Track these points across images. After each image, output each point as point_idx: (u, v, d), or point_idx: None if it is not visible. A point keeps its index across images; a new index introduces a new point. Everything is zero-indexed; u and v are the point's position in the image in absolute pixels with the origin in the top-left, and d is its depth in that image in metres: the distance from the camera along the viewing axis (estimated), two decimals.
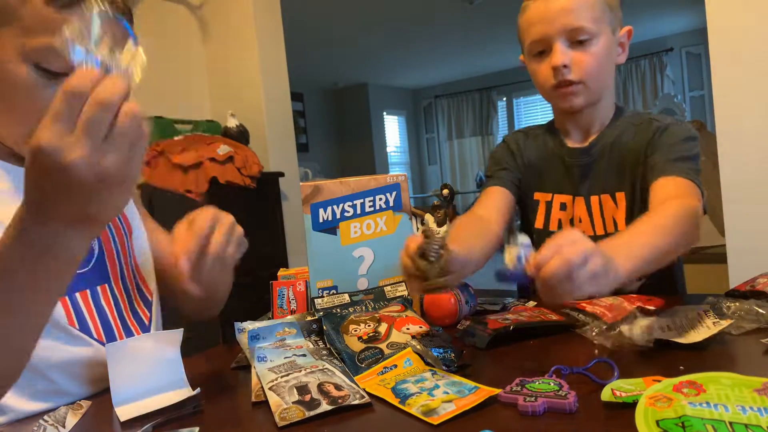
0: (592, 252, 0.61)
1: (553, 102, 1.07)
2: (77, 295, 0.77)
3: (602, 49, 1.00)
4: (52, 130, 0.44)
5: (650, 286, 1.04)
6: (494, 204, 1.10)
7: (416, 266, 0.69)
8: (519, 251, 0.64)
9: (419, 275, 0.70)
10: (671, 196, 0.90)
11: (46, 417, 0.64)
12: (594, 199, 1.06)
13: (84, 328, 0.77)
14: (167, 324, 0.91)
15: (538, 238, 1.06)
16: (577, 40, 0.99)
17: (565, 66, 0.99)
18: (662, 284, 1.07)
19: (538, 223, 1.12)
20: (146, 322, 0.87)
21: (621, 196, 1.04)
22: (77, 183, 0.45)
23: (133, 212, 0.93)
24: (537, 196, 1.12)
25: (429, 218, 1.28)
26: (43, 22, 0.66)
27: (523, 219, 1.18)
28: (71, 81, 0.44)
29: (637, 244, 0.74)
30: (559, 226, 1.09)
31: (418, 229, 1.22)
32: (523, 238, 0.66)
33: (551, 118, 1.17)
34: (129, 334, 0.82)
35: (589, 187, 1.07)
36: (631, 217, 1.02)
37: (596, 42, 0.99)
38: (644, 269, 0.74)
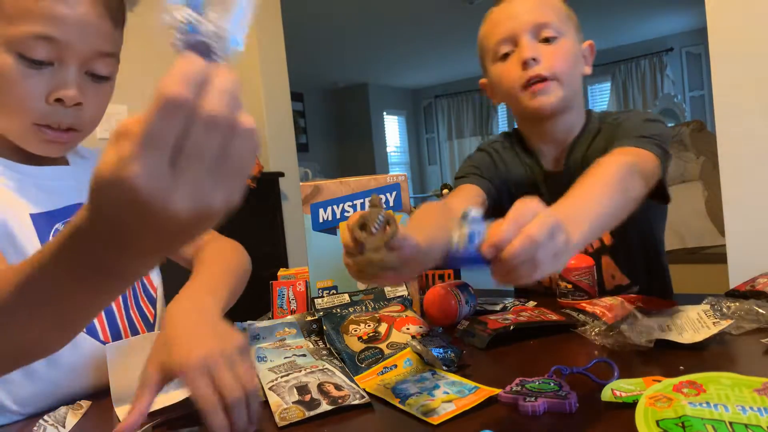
0: (556, 227, 0.53)
1: (522, 104, 0.98)
2: None
3: (570, 48, 0.98)
4: (147, 161, 0.31)
5: (643, 289, 1.04)
6: (468, 199, 1.02)
7: (354, 237, 0.56)
8: (471, 228, 0.54)
9: (355, 250, 0.57)
10: (614, 154, 0.86)
11: (46, 417, 0.64)
12: None
13: (91, 330, 0.77)
14: None
15: None
16: (544, 37, 0.96)
17: (534, 59, 0.95)
18: (656, 286, 1.07)
19: None
20: (151, 319, 0.87)
21: None
22: (176, 224, 0.34)
23: None
24: None
25: None
26: (24, 10, 0.65)
27: None
28: (169, 87, 0.31)
29: (584, 213, 0.66)
30: None
31: None
32: (475, 212, 0.55)
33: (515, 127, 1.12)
34: (135, 332, 0.82)
35: None
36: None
37: (562, 41, 0.97)
38: (592, 238, 0.70)
